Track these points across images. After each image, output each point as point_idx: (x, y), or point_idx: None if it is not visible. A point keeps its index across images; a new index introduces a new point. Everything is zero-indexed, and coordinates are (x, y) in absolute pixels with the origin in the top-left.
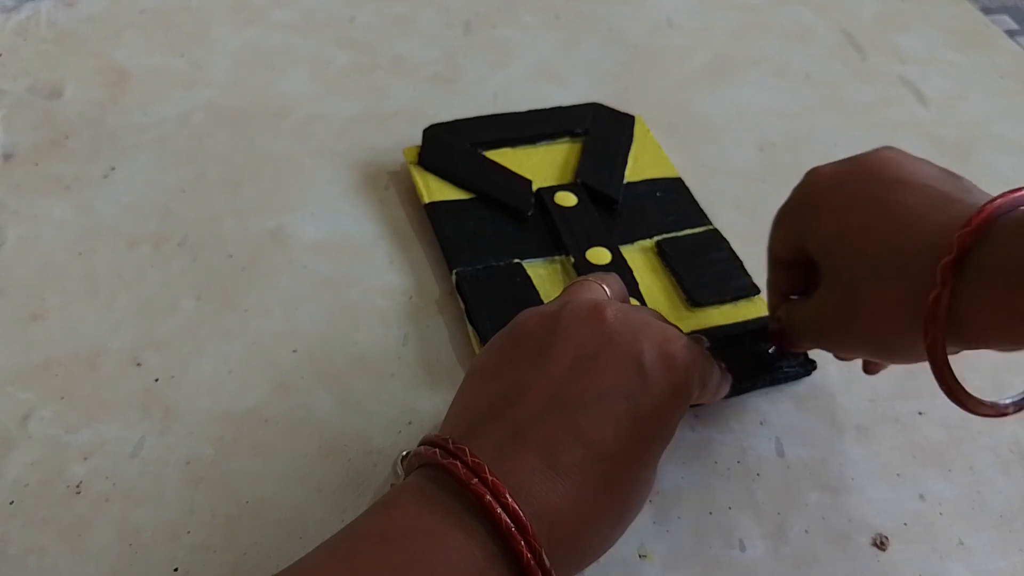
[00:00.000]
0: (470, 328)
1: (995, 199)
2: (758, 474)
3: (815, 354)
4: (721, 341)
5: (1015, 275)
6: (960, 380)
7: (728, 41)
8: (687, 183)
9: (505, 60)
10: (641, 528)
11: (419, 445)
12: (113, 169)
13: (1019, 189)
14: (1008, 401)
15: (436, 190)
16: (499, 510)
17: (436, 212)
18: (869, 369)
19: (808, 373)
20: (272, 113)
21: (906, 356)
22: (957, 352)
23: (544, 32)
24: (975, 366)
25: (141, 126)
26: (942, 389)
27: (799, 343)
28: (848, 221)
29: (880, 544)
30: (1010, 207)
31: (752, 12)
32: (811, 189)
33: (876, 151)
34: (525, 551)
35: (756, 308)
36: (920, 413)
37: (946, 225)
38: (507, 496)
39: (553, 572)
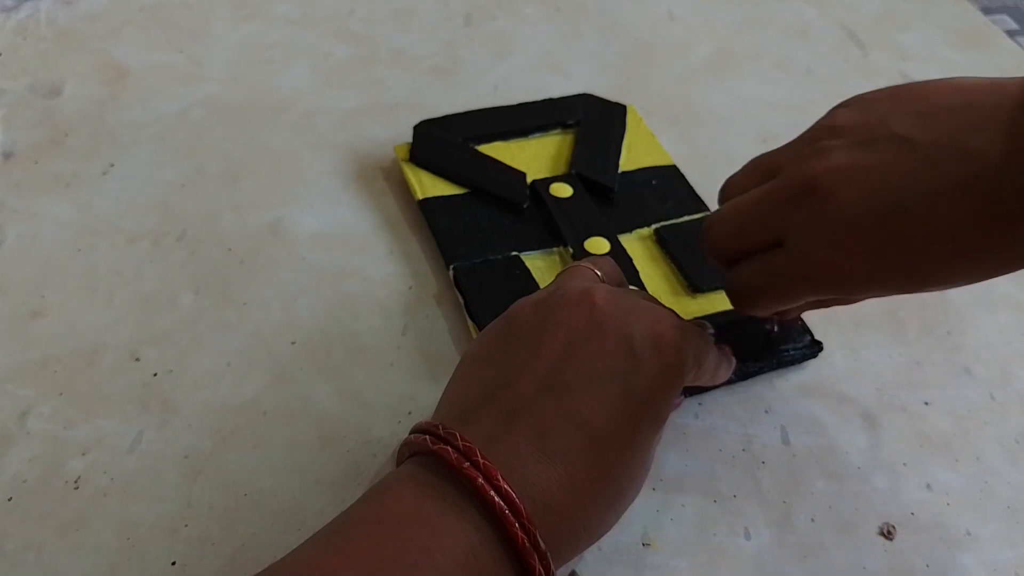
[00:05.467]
0: (470, 322)
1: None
2: (763, 462)
3: (821, 337)
4: (725, 326)
5: None
6: None
7: (729, 35)
8: (688, 174)
9: (506, 52)
10: (645, 516)
11: (410, 433)
12: (112, 166)
13: None
14: None
15: (429, 186)
16: (492, 493)
17: (430, 208)
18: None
19: (814, 355)
20: (271, 107)
21: (949, 278)
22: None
23: (545, 24)
24: (981, 358)
25: (140, 123)
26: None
27: (774, 299)
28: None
29: (887, 534)
30: None
31: (754, 7)
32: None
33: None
34: (520, 533)
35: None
36: (927, 403)
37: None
38: (499, 479)
39: (548, 554)
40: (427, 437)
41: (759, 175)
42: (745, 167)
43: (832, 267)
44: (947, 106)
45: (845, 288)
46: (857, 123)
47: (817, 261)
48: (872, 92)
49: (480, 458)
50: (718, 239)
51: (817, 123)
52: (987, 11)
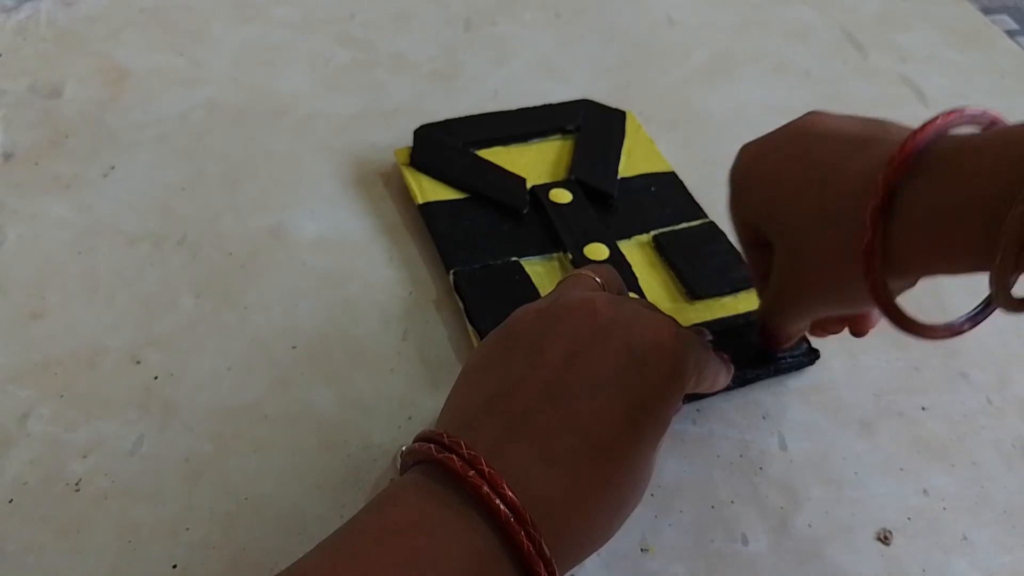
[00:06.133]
0: (470, 328)
1: (914, 133)
2: (761, 468)
3: (818, 344)
4: (723, 333)
5: (945, 208)
6: (905, 312)
7: (729, 38)
8: (687, 178)
9: (505, 57)
10: (643, 522)
11: (414, 441)
12: (113, 168)
13: (935, 120)
14: (962, 318)
15: (429, 190)
16: (497, 501)
17: (430, 212)
18: (856, 331)
19: (811, 362)
20: (272, 111)
21: (860, 300)
22: (908, 285)
23: (544, 29)
24: (978, 363)
25: (141, 125)
26: (893, 324)
27: (773, 325)
28: (779, 188)
29: (884, 539)
30: (929, 140)
31: (752, 10)
32: (742, 165)
33: (801, 117)
34: (525, 541)
35: (756, 299)
36: (923, 408)
37: (868, 168)
38: (504, 487)
39: (553, 562)
40: (431, 445)
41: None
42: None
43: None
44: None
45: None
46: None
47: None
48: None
49: (485, 466)
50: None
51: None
52: (987, 11)
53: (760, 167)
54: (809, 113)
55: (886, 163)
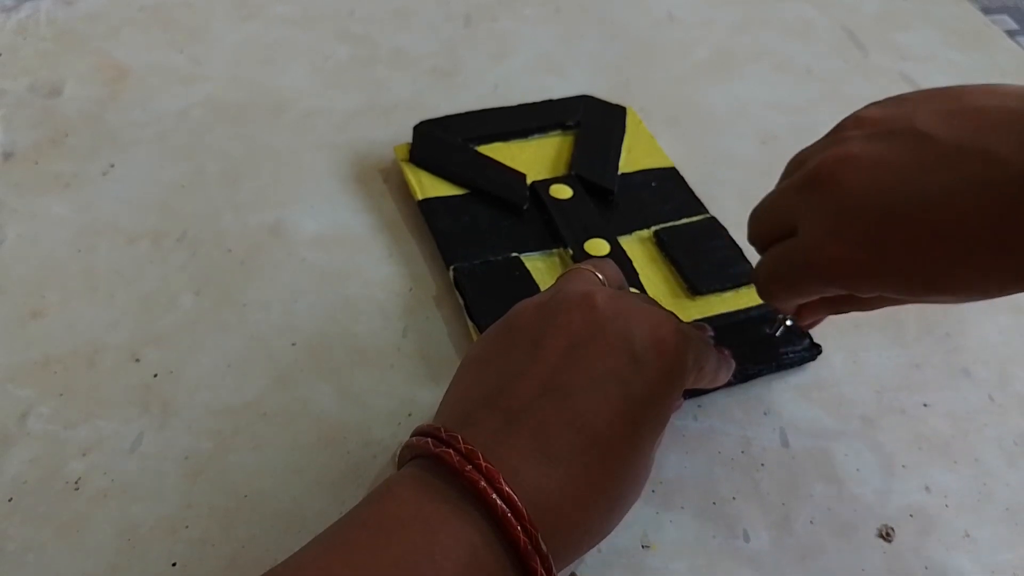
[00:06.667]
0: (470, 324)
1: None
2: (762, 464)
3: (820, 340)
4: (724, 328)
5: None
6: None
7: (729, 36)
8: (688, 174)
9: (505, 53)
10: (644, 518)
11: (412, 436)
12: (112, 166)
13: None
14: None
15: (429, 186)
16: (494, 496)
17: (430, 208)
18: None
19: (813, 358)
20: (271, 108)
21: (980, 288)
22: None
23: (545, 25)
24: (980, 359)
25: (140, 123)
26: None
27: (794, 289)
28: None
29: (886, 536)
30: None
31: (753, 8)
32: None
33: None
34: (522, 536)
35: (757, 295)
36: (925, 405)
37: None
38: (501, 482)
39: (550, 557)
40: (429, 440)
41: (793, 168)
42: (788, 161)
43: (833, 257)
44: (977, 108)
45: (847, 281)
46: (881, 116)
47: (820, 250)
48: (911, 92)
49: (482, 461)
50: (750, 230)
51: (850, 115)
52: (987, 11)
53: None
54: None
55: None
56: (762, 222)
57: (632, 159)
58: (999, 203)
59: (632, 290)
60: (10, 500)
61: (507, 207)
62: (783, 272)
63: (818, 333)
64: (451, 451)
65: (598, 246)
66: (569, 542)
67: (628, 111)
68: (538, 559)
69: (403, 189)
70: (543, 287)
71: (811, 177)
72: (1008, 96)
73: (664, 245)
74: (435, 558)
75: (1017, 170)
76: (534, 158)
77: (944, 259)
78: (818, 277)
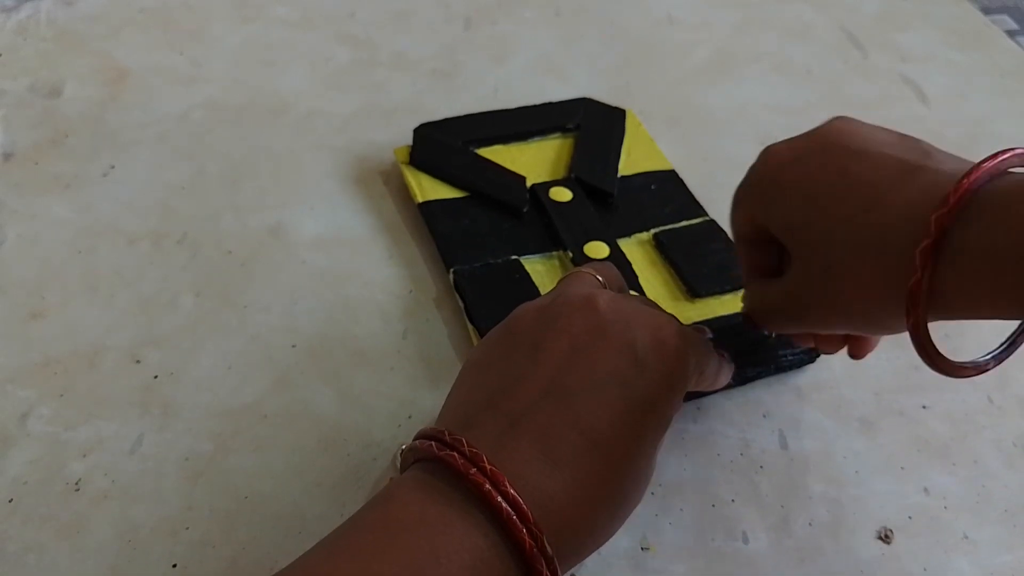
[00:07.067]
0: (470, 326)
1: (969, 173)
2: (761, 466)
3: None
4: (723, 331)
5: (998, 254)
6: (938, 348)
7: (729, 37)
8: (688, 176)
9: (505, 55)
10: (643, 520)
11: (415, 439)
12: (113, 167)
13: (989, 159)
14: (987, 357)
15: (429, 189)
16: (499, 499)
17: (430, 211)
18: (855, 354)
19: (812, 360)
20: (271, 109)
21: (888, 328)
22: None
23: (544, 27)
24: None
25: (141, 124)
26: (925, 362)
27: (774, 325)
28: (811, 201)
29: (885, 538)
30: (984, 180)
31: (753, 9)
32: (767, 168)
33: (829, 123)
34: (527, 539)
35: None
36: (924, 407)
37: (916, 200)
38: (506, 485)
39: (555, 559)
40: (432, 443)
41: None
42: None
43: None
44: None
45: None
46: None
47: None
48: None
49: (486, 464)
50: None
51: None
52: (987, 11)
53: (788, 173)
54: (837, 119)
55: (939, 202)
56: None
57: (632, 162)
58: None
59: (632, 293)
60: (10, 501)
61: (507, 210)
62: (765, 312)
63: None
64: (455, 454)
65: (598, 249)
66: (573, 544)
67: (628, 113)
68: (543, 562)
69: (403, 191)
70: (543, 290)
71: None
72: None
73: (663, 248)
74: (440, 561)
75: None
76: (534, 161)
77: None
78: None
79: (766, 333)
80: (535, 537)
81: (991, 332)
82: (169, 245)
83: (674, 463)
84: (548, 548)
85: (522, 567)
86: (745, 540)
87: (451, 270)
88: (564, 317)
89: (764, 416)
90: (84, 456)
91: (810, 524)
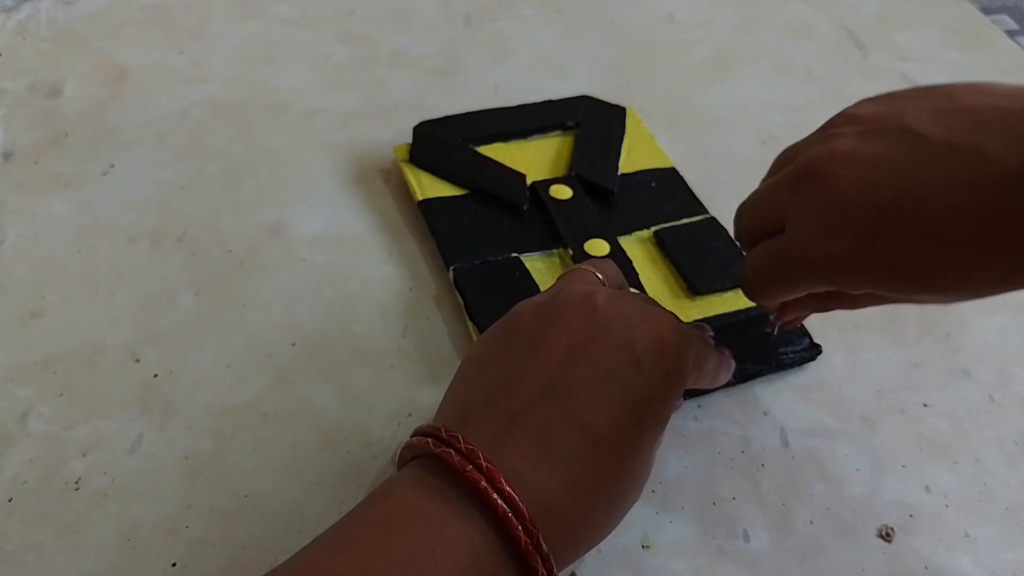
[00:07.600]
0: (470, 324)
1: None
2: (762, 464)
3: (820, 340)
4: (724, 329)
5: None
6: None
7: (729, 36)
8: (688, 174)
9: (506, 53)
10: (644, 518)
11: (412, 436)
12: (112, 166)
13: None
14: None
15: (429, 187)
16: (494, 496)
17: (430, 209)
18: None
19: (813, 358)
20: (271, 108)
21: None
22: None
23: (545, 25)
24: (980, 359)
25: (140, 123)
26: None
27: (785, 283)
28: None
29: (886, 536)
30: None
31: (753, 8)
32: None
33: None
34: (522, 536)
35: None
36: (925, 405)
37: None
38: (502, 482)
39: (551, 557)
40: (429, 440)
41: (782, 164)
42: (776, 158)
43: (824, 253)
44: (968, 107)
45: (836, 278)
46: (873, 113)
47: (810, 245)
48: (903, 90)
49: (482, 461)
50: (737, 226)
51: (839, 112)
52: (987, 11)
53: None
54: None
55: None
56: (750, 218)
57: (632, 159)
58: (988, 202)
59: (632, 290)
60: (10, 500)
61: (507, 207)
62: (772, 268)
63: (818, 333)
64: (452, 451)
65: (598, 246)
66: (570, 542)
67: (628, 111)
68: (539, 559)
69: (403, 189)
70: (543, 287)
71: (802, 173)
72: (999, 95)
73: (664, 245)
74: (436, 558)
75: (1007, 169)
76: (534, 158)
77: (934, 257)
78: (808, 273)
79: (767, 330)
80: (531, 534)
81: (992, 329)
82: (169, 244)
83: (675, 461)
84: (544, 545)
85: (518, 564)
86: (746, 538)
87: (451, 268)
88: (563, 314)
89: (765, 414)
90: (84, 455)
91: (811, 522)
